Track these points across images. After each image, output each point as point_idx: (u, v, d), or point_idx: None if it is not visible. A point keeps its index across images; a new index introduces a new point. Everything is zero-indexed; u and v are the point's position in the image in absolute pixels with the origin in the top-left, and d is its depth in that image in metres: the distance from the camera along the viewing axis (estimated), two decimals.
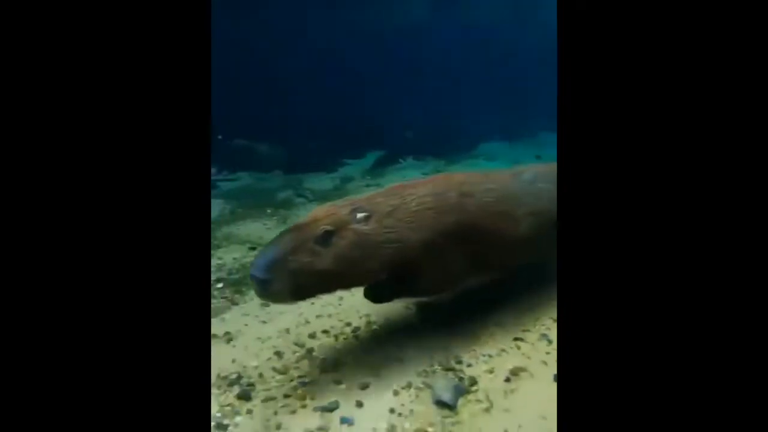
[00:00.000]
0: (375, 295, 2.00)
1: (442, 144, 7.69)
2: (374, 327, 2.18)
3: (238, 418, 1.58)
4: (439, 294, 2.21)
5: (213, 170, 6.52)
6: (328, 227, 1.68)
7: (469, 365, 1.84)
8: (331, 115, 8.06)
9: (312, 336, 2.10)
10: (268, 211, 4.19)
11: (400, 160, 6.91)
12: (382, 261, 1.77)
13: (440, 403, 1.61)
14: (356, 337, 2.10)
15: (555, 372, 1.74)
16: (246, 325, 2.21)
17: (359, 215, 1.77)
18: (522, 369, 1.78)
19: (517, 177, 2.35)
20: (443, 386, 1.67)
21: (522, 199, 2.17)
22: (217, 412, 1.61)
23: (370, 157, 7.12)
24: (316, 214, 1.79)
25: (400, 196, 1.90)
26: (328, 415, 1.59)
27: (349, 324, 2.19)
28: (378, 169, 6.54)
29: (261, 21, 7.88)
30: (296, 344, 2.03)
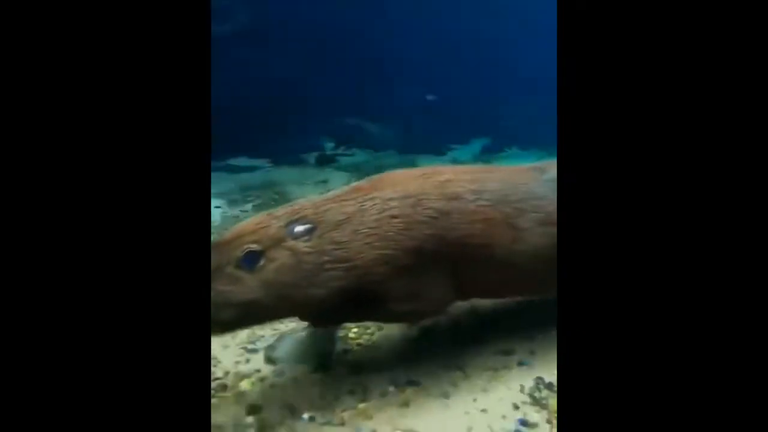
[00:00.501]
0: (315, 318, 1.59)
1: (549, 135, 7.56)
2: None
3: None
4: (416, 321, 1.87)
5: (330, 144, 7.06)
6: (253, 246, 1.33)
7: None
8: (441, 99, 8.09)
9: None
10: None
11: (506, 149, 6.93)
12: (330, 286, 1.38)
13: None
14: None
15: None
16: None
17: (297, 228, 1.38)
18: None
19: (535, 173, 1.79)
20: None
21: (533, 203, 1.64)
22: None
23: (475, 144, 7.23)
24: (243, 228, 1.42)
25: (358, 201, 1.49)
26: None
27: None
28: (486, 155, 6.67)
29: (377, 3, 8.01)
30: None
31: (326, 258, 1.39)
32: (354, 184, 1.66)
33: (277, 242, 1.38)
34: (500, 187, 1.68)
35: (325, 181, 5.41)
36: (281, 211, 1.47)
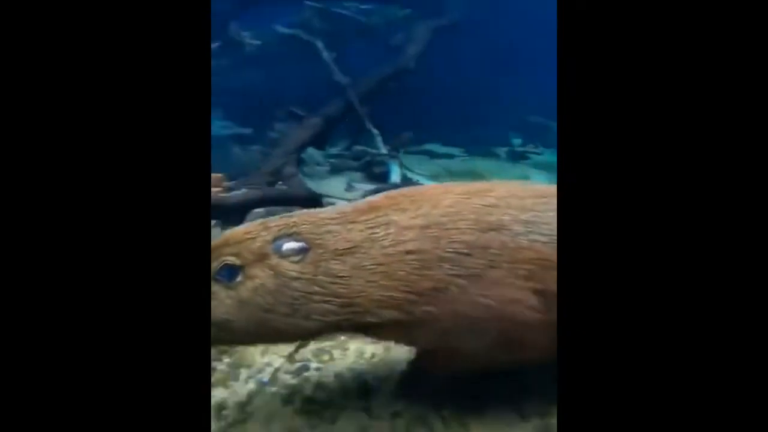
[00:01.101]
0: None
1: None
2: None
3: None
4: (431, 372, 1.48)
5: (518, 141, 7.02)
6: (230, 259, 1.17)
7: None
8: None
9: None
10: None
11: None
12: (320, 320, 1.17)
13: None
14: None
15: None
16: None
17: (287, 246, 1.18)
18: None
19: None
20: None
21: None
22: None
23: None
24: (230, 235, 1.24)
25: (368, 226, 1.22)
26: None
27: None
28: None
29: None
30: None
31: (317, 288, 1.15)
32: (369, 199, 1.35)
33: (260, 258, 1.18)
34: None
35: (526, 178, 5.32)
36: (275, 222, 1.24)
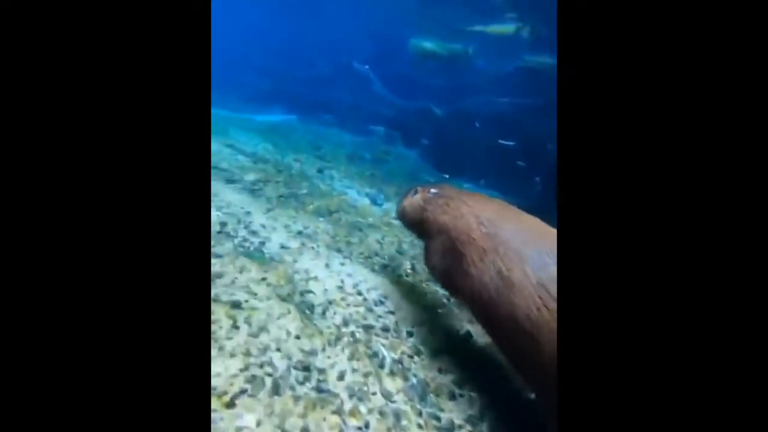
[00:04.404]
0: None
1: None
2: None
3: None
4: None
5: None
6: (417, 187, 2.39)
7: None
8: None
9: None
10: None
11: None
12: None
13: None
14: None
15: None
16: None
17: (432, 190, 2.25)
18: None
19: None
20: None
21: None
22: None
23: None
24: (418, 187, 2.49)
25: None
26: None
27: None
28: None
29: None
30: None
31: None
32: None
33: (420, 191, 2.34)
34: None
35: None
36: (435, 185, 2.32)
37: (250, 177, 4.32)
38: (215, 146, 5.24)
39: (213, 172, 4.12)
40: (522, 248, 1.52)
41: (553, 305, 1.29)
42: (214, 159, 4.59)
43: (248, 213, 3.38)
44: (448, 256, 1.85)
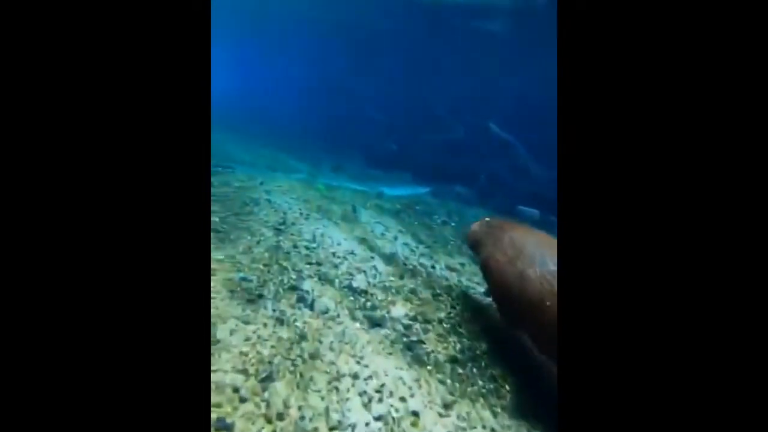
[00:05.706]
0: None
1: None
2: None
3: None
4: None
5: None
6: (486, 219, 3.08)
7: None
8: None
9: None
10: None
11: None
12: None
13: None
14: None
15: None
16: None
17: (488, 219, 3.00)
18: None
19: None
20: None
21: None
22: None
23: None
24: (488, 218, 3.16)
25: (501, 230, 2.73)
26: None
27: None
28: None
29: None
30: None
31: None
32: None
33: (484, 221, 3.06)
34: None
35: None
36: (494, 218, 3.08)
37: (399, 311, 2.72)
38: (346, 245, 3.60)
39: (342, 295, 2.69)
40: (534, 252, 2.33)
41: (549, 287, 2.10)
42: (344, 267, 3.14)
43: (414, 413, 1.86)
44: (491, 257, 2.65)
